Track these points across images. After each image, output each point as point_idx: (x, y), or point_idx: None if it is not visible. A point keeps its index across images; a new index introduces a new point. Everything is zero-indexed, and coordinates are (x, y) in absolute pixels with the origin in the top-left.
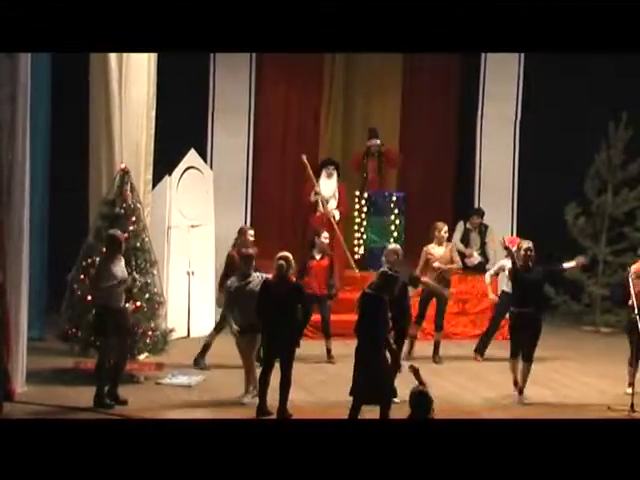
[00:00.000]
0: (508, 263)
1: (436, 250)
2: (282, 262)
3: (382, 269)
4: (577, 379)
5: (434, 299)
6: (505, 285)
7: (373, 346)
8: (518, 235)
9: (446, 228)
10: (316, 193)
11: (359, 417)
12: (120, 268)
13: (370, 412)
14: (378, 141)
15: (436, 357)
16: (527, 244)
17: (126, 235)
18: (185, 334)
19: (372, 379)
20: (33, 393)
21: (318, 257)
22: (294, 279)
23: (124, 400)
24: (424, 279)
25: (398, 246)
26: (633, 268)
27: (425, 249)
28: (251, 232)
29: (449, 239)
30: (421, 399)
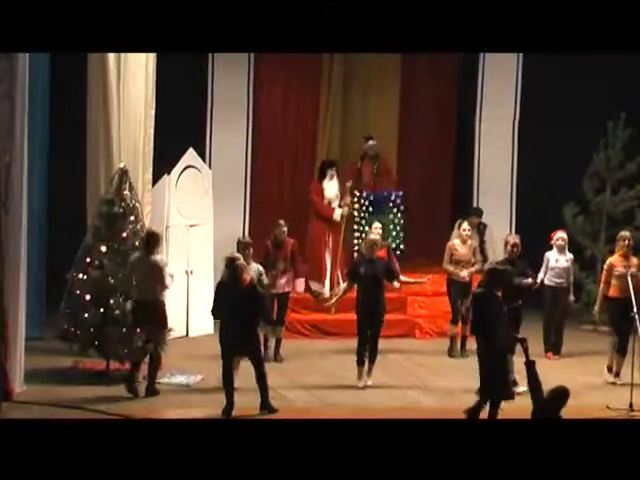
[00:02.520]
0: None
1: (460, 248)
2: (237, 263)
3: (489, 265)
4: (576, 378)
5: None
6: (547, 279)
7: (493, 343)
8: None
9: (465, 225)
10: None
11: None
12: None
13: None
14: (374, 141)
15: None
16: (514, 239)
17: (124, 235)
18: (184, 333)
19: (497, 376)
20: (31, 392)
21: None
22: (248, 279)
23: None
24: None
25: (375, 237)
26: (609, 261)
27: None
28: (284, 229)
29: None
30: (562, 397)
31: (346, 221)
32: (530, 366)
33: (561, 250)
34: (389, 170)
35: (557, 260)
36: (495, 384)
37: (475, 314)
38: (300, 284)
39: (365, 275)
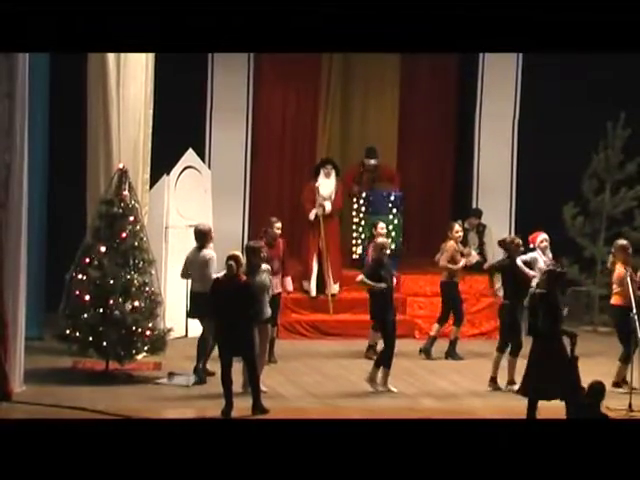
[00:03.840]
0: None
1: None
2: (232, 262)
3: (548, 267)
4: None
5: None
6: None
7: (550, 343)
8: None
9: (457, 227)
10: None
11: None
12: None
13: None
14: (374, 161)
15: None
16: (517, 240)
17: (124, 235)
18: (183, 334)
19: (551, 375)
20: (31, 393)
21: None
22: (244, 278)
23: (212, 372)
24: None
25: (383, 240)
26: (617, 273)
27: (452, 245)
28: (278, 225)
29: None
30: (599, 390)
31: (341, 221)
32: (574, 362)
33: (544, 251)
34: (393, 175)
35: (544, 262)
36: (551, 383)
37: (535, 314)
38: (289, 283)
39: (384, 278)
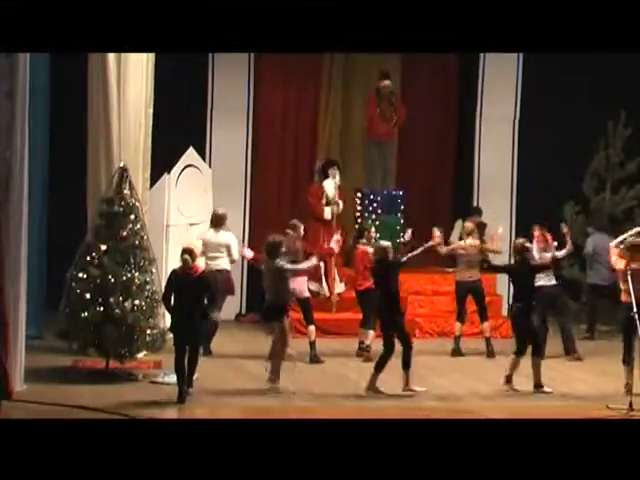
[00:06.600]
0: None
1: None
2: (187, 256)
3: None
4: (575, 377)
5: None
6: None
7: None
8: (517, 234)
9: (471, 226)
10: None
11: None
12: None
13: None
14: (388, 82)
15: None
16: (522, 243)
17: (124, 233)
18: None
19: None
20: (31, 391)
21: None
22: (200, 270)
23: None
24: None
25: (388, 243)
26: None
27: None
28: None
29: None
30: None
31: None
32: None
33: None
34: (403, 114)
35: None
36: None
37: None
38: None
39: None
